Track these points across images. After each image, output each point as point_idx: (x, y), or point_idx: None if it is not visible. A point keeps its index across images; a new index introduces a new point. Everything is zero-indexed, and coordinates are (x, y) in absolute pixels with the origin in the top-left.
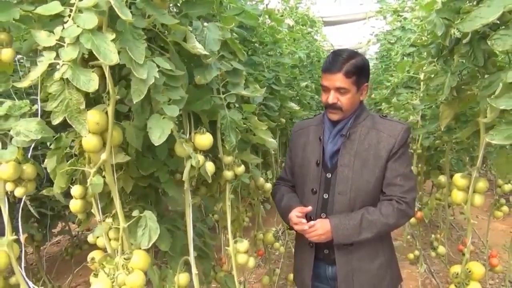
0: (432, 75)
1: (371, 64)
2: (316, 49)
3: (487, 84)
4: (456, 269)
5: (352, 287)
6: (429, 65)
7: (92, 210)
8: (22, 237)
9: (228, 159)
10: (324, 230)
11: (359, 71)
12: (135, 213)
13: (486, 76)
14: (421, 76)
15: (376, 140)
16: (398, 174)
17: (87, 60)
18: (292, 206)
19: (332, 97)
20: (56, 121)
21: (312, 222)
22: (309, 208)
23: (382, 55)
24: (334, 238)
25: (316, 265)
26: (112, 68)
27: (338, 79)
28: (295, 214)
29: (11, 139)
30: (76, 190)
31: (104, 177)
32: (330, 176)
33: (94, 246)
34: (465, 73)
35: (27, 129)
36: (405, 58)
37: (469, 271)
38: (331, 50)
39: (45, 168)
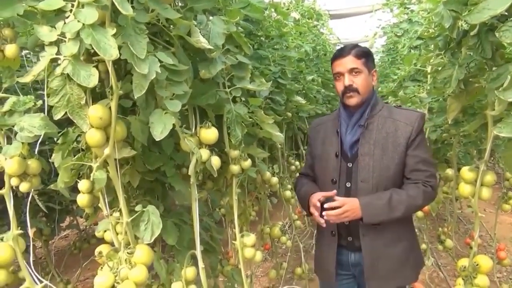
0: (439, 68)
1: (377, 58)
2: (322, 42)
3: (495, 77)
4: (463, 262)
5: (378, 272)
6: (436, 58)
7: (100, 205)
8: (31, 231)
9: (234, 153)
10: (353, 207)
11: (367, 54)
12: (138, 207)
13: (494, 68)
14: (428, 69)
15: (393, 129)
16: (420, 160)
17: (93, 55)
18: (311, 191)
19: (347, 79)
20: (57, 116)
21: (341, 199)
22: (333, 192)
23: (388, 48)
24: (364, 216)
25: (339, 252)
26: (117, 63)
27: (350, 61)
28: (316, 198)
29: (15, 134)
30: (83, 184)
31: (108, 172)
32: (351, 165)
33: (102, 240)
34: (472, 66)
35: (31, 125)
36: (412, 51)
37: (477, 265)
38: (338, 44)
39: (53, 163)
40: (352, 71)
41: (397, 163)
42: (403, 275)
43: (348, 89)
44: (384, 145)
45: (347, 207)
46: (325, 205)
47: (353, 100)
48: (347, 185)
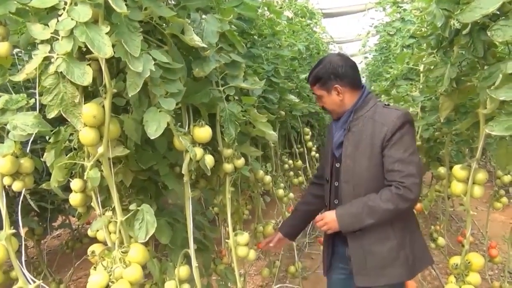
0: (432, 67)
1: (370, 56)
2: (315, 41)
3: (487, 75)
4: (455, 260)
5: (365, 269)
6: (429, 57)
7: (92, 204)
8: (22, 231)
9: (227, 152)
10: (331, 219)
11: (317, 79)
12: (133, 206)
13: (486, 67)
14: (421, 68)
15: (371, 130)
16: (395, 160)
17: (85, 53)
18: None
19: (319, 102)
20: (51, 114)
21: (319, 216)
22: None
23: (381, 47)
24: (340, 227)
25: (336, 245)
26: (109, 61)
27: (312, 89)
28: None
29: (8, 133)
30: (75, 183)
31: (102, 170)
32: (338, 166)
33: (94, 240)
34: (464, 64)
35: (24, 123)
36: (404, 49)
37: (469, 262)
38: (331, 42)
39: (45, 162)
40: (317, 96)
41: (374, 165)
42: (391, 273)
43: (323, 108)
44: (362, 147)
45: (326, 219)
46: (315, 220)
47: (332, 115)
48: (335, 184)
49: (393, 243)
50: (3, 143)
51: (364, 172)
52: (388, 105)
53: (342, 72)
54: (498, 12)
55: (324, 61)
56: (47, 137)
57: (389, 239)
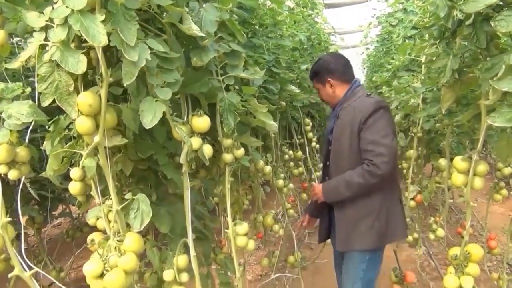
0: (434, 58)
1: (371, 47)
2: (317, 31)
3: (490, 66)
4: (455, 251)
5: (344, 234)
6: (431, 47)
7: (92, 193)
8: (22, 219)
9: (227, 142)
10: (318, 191)
11: (315, 74)
12: (128, 195)
13: (488, 58)
14: (423, 59)
15: (351, 116)
16: (368, 141)
17: (84, 42)
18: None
19: (318, 95)
20: (45, 103)
21: (311, 188)
22: None
23: (383, 38)
24: (324, 197)
25: (333, 216)
26: (109, 50)
27: (313, 84)
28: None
29: (3, 121)
30: (75, 172)
31: (99, 159)
32: (330, 148)
33: (94, 228)
34: (467, 56)
35: (19, 112)
36: (406, 40)
37: (468, 253)
38: (332, 33)
39: (45, 151)
40: (316, 89)
41: (354, 146)
42: (365, 241)
43: (322, 100)
44: (345, 132)
45: (315, 191)
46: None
47: (329, 105)
48: (327, 164)
49: (370, 215)
50: None
51: (346, 153)
52: (370, 94)
53: (333, 67)
54: (501, 3)
55: (320, 60)
56: (47, 126)
57: (367, 211)
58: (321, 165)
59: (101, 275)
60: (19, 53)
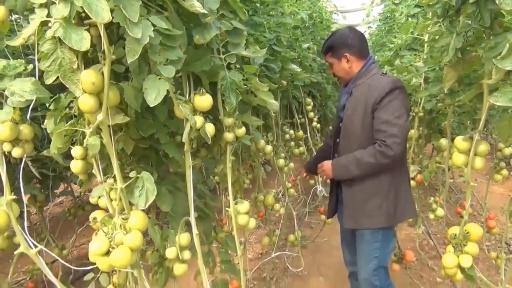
0: (437, 36)
1: (374, 26)
2: (318, 10)
3: (493, 45)
4: (454, 230)
5: (353, 212)
6: (434, 26)
7: (93, 171)
8: (25, 198)
9: (228, 121)
10: (327, 168)
11: (330, 48)
12: (132, 174)
13: (492, 37)
14: (425, 38)
15: (366, 95)
16: (382, 121)
17: (84, 19)
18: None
19: (330, 70)
20: (49, 80)
21: (320, 164)
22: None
23: (385, 17)
24: (333, 174)
25: (340, 192)
26: (109, 27)
27: (325, 58)
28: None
29: (6, 99)
30: (76, 151)
31: (102, 138)
32: (341, 125)
33: (96, 207)
34: (470, 34)
35: (22, 89)
36: (409, 19)
37: (467, 233)
38: (334, 12)
39: (46, 129)
40: (329, 64)
41: (366, 125)
42: (374, 220)
43: (334, 75)
44: (358, 110)
45: (324, 167)
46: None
47: (341, 81)
48: (337, 141)
49: (379, 195)
50: (1, 109)
51: (358, 131)
52: (386, 73)
53: (351, 42)
54: None
55: (337, 33)
56: (47, 104)
57: (376, 191)
58: (322, 144)
59: (107, 253)
60: (18, 31)
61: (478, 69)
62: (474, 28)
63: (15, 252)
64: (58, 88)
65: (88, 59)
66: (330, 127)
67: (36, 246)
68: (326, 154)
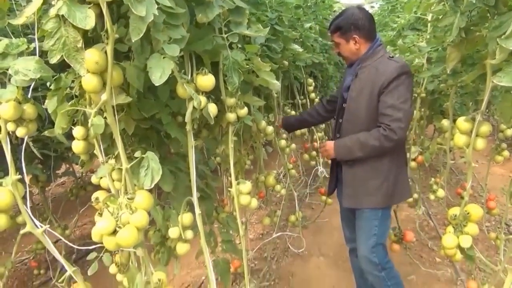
0: (440, 16)
1: (376, 6)
2: None
3: (498, 25)
4: (454, 211)
5: (353, 192)
6: (438, 5)
7: (95, 151)
8: (27, 178)
9: (230, 101)
10: (329, 148)
11: (339, 28)
12: (138, 154)
13: (496, 16)
14: (429, 17)
15: (373, 78)
16: (387, 105)
17: None
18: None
19: (336, 49)
20: (53, 59)
21: (322, 144)
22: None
23: None
24: (335, 155)
25: (341, 171)
26: (110, 5)
27: (331, 36)
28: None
29: (9, 78)
30: (78, 131)
31: (105, 118)
32: (344, 106)
33: (98, 187)
34: (474, 14)
35: (26, 68)
36: None
37: (468, 213)
38: None
39: (46, 109)
40: (335, 43)
41: (371, 107)
42: (373, 200)
43: (339, 54)
44: (364, 92)
45: (326, 147)
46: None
47: (346, 61)
48: (339, 121)
49: (379, 176)
50: (4, 89)
51: (363, 113)
52: (393, 57)
53: (361, 24)
54: None
55: (346, 13)
56: (48, 84)
57: (376, 172)
58: (311, 109)
59: (113, 232)
60: (17, 10)
61: (481, 49)
62: (478, 7)
63: (21, 232)
64: (58, 68)
65: (88, 39)
66: (328, 98)
67: (40, 226)
68: (312, 120)
